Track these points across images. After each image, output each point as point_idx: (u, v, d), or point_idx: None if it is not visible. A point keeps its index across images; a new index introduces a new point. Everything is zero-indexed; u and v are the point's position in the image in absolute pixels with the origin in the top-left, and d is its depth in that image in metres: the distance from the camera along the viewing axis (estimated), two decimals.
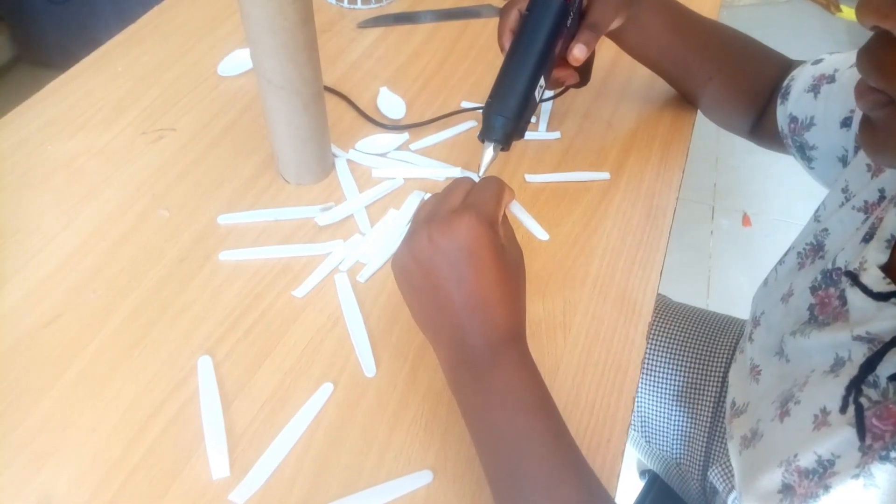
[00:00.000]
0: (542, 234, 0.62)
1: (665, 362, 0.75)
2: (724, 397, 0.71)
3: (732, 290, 1.68)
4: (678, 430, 0.74)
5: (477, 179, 0.47)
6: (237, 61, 0.79)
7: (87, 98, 0.74)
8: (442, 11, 0.89)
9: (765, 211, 1.87)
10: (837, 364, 0.45)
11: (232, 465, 0.47)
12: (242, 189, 0.66)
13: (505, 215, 0.47)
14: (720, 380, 0.72)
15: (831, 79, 0.60)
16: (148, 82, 0.76)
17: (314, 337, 0.55)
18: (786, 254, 0.59)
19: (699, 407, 0.72)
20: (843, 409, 0.42)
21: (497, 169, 0.69)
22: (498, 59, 0.59)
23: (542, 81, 0.58)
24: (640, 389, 0.76)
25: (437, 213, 0.43)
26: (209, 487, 0.46)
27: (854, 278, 0.45)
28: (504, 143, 0.57)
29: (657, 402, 0.75)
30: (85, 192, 0.64)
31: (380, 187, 0.66)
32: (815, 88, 0.61)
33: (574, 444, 0.42)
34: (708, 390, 0.72)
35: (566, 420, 0.43)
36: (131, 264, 0.59)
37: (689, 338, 0.76)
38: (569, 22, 0.58)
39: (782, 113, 0.65)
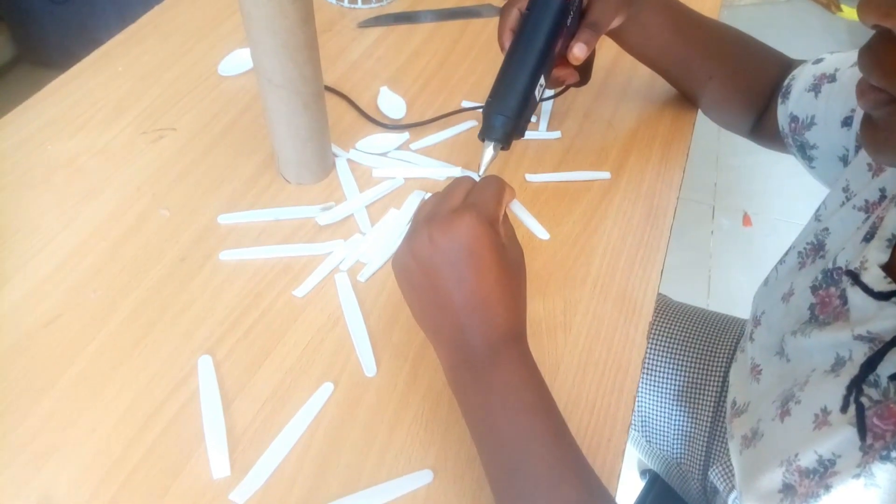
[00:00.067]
0: (542, 233, 0.62)
1: (666, 362, 0.75)
2: (725, 397, 0.71)
3: (733, 290, 1.68)
4: (679, 429, 0.74)
5: (477, 179, 0.47)
6: (237, 61, 0.79)
7: (88, 98, 0.74)
8: (442, 11, 0.89)
9: (765, 210, 1.87)
10: (838, 363, 0.45)
11: (232, 464, 0.47)
12: (243, 189, 0.66)
13: (506, 214, 0.47)
14: (721, 379, 0.72)
15: (832, 78, 0.60)
16: (148, 82, 0.76)
17: (314, 336, 0.55)
18: (786, 253, 0.59)
19: (700, 406, 0.72)
20: (844, 409, 0.42)
21: (497, 168, 0.69)
22: (498, 59, 0.59)
23: (542, 80, 0.58)
24: (640, 389, 0.76)
25: (437, 212, 0.43)
26: (210, 487, 0.46)
27: (855, 278, 0.45)
28: (504, 142, 0.57)
29: (658, 401, 0.75)
30: (85, 192, 0.64)
31: (380, 187, 0.66)
32: (815, 88, 0.61)
33: (574, 443, 0.42)
34: (708, 390, 0.72)
35: (567, 419, 0.43)
36: (131, 264, 0.59)
37: (689, 337, 0.76)
38: (569, 21, 0.58)
39: (783, 112, 0.65)
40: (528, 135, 0.71)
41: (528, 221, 0.63)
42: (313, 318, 0.56)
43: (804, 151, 0.64)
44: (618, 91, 0.78)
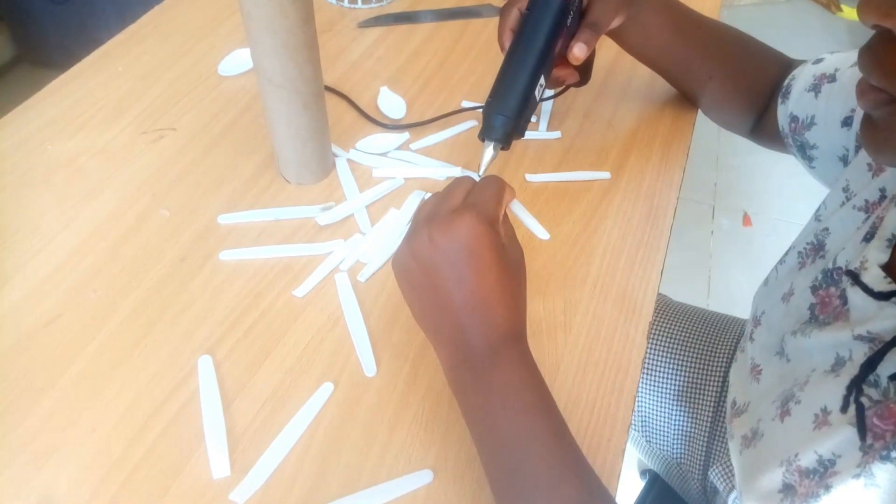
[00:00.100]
0: (542, 233, 0.62)
1: (666, 362, 0.75)
2: (725, 397, 0.71)
3: (733, 290, 1.68)
4: (679, 429, 0.74)
5: (477, 179, 0.47)
6: (238, 61, 0.79)
7: (88, 98, 0.74)
8: (442, 11, 0.89)
9: (765, 210, 1.87)
10: (838, 363, 0.45)
11: (232, 464, 0.47)
12: (243, 189, 0.66)
13: (506, 214, 0.47)
14: (721, 379, 0.72)
15: (832, 78, 0.60)
16: (148, 82, 0.76)
17: (314, 336, 0.55)
18: (786, 253, 0.59)
19: (700, 406, 0.72)
20: (844, 409, 0.42)
21: (497, 168, 0.69)
22: (498, 59, 0.59)
23: (542, 80, 0.58)
24: (640, 389, 0.76)
25: (437, 212, 0.43)
26: (210, 487, 0.46)
27: (855, 277, 0.45)
28: (504, 142, 0.57)
29: (658, 401, 0.75)
30: (85, 192, 0.64)
31: (380, 187, 0.66)
32: (815, 88, 0.61)
33: (574, 443, 0.42)
34: (708, 390, 0.72)
35: (567, 419, 0.43)
36: (131, 264, 0.59)
37: (689, 337, 0.76)
38: (569, 21, 0.58)
39: (783, 112, 0.65)
40: (528, 135, 0.71)
41: (528, 221, 0.63)
42: (313, 318, 0.56)
43: (804, 151, 0.64)
44: (618, 91, 0.79)
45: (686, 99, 0.76)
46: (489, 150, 0.57)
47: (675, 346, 0.76)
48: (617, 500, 0.43)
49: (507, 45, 0.59)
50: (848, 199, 0.53)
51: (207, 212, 0.63)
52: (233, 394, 0.51)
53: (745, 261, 1.75)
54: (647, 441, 0.78)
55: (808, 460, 0.43)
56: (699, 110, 0.76)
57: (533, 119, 0.74)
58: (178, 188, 0.65)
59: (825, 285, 0.50)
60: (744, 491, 0.49)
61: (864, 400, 0.41)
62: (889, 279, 0.43)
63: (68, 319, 0.55)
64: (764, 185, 1.93)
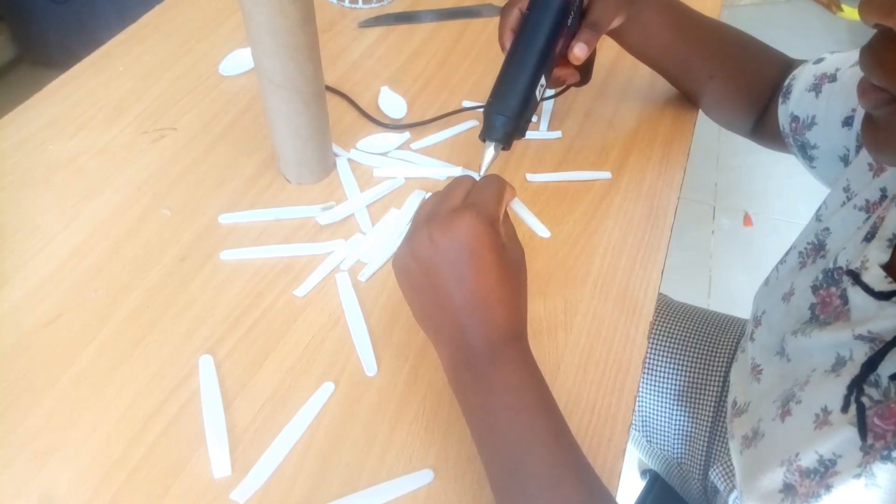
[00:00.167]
0: (543, 231, 0.62)
1: (666, 362, 0.75)
2: (726, 397, 0.71)
3: (733, 290, 1.68)
4: (679, 429, 0.74)
5: (478, 179, 0.47)
6: (238, 61, 0.79)
7: (88, 97, 0.74)
8: (443, 11, 0.89)
9: (766, 210, 1.87)
10: (839, 363, 0.45)
11: (233, 463, 0.47)
12: (243, 188, 0.66)
13: (506, 213, 0.47)
14: (721, 379, 0.72)
15: (833, 78, 0.60)
16: (149, 82, 0.76)
17: (315, 336, 0.55)
18: (787, 253, 0.59)
19: (700, 406, 0.72)
20: (845, 409, 0.42)
21: (498, 168, 0.69)
22: (499, 59, 0.59)
23: (542, 80, 0.58)
24: (641, 389, 0.76)
25: (437, 212, 0.43)
26: (210, 486, 0.46)
27: (855, 277, 0.45)
28: (505, 142, 0.57)
29: (658, 401, 0.75)
30: (86, 192, 0.64)
31: (381, 186, 0.66)
32: (816, 88, 0.61)
33: (575, 443, 0.42)
34: (709, 390, 0.72)
35: (567, 419, 0.43)
36: (132, 263, 0.59)
37: (690, 337, 0.76)
38: (569, 21, 0.58)
39: (783, 112, 0.65)
40: (529, 135, 0.71)
41: (528, 220, 0.63)
42: (314, 317, 0.56)
43: (805, 151, 0.64)
44: (618, 91, 0.78)
45: (687, 99, 0.76)
46: (490, 150, 0.57)
47: (676, 345, 0.76)
48: (617, 499, 0.43)
49: (508, 45, 0.59)
50: (849, 198, 0.53)
51: (208, 211, 0.63)
52: (233, 393, 0.51)
53: (745, 261, 1.75)
54: (647, 441, 0.78)
55: (808, 460, 0.43)
56: (700, 110, 0.76)
57: (533, 119, 0.74)
58: (178, 188, 0.65)
59: (826, 285, 0.50)
60: (744, 491, 0.49)
61: (864, 400, 0.41)
62: (890, 279, 0.43)
63: (69, 319, 0.55)
64: (764, 185, 1.93)
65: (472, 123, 0.73)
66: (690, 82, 0.73)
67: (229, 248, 0.60)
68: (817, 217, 0.57)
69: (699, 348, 0.75)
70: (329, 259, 0.60)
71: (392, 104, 0.75)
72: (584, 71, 0.68)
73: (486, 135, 0.57)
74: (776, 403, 0.50)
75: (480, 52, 0.84)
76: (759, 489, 0.47)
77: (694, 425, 0.73)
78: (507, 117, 0.56)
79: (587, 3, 0.60)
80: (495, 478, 0.42)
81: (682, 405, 0.74)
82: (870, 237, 0.47)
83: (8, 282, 0.57)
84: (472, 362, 0.42)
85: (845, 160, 0.59)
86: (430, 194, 0.58)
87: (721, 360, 0.73)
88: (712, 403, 0.72)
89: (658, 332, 0.77)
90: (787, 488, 0.44)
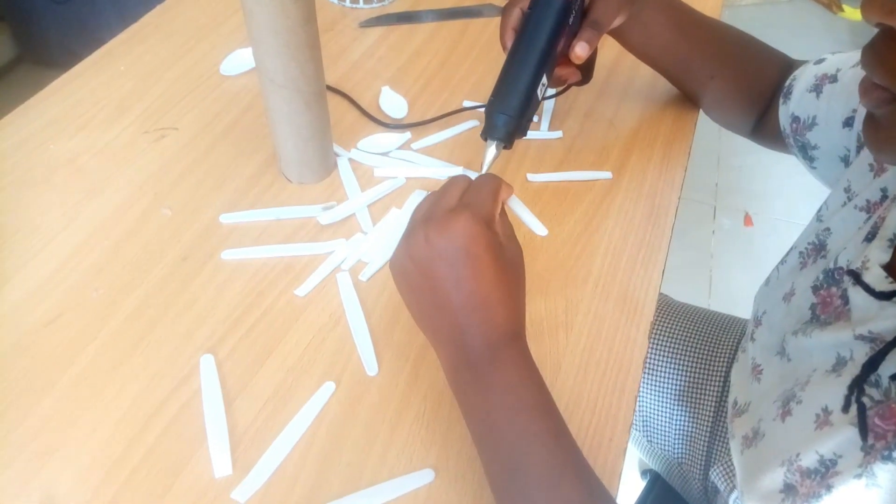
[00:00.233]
0: (540, 229, 0.62)
1: (667, 362, 0.75)
2: (726, 397, 0.71)
3: (734, 290, 1.68)
4: (680, 429, 0.74)
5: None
6: (239, 60, 0.79)
7: (90, 97, 0.74)
8: (443, 11, 0.89)
9: (766, 211, 1.87)
10: (839, 363, 0.45)
11: (234, 463, 0.47)
12: (244, 188, 0.66)
13: (504, 212, 0.47)
14: (722, 379, 0.72)
15: (833, 78, 0.60)
16: (150, 81, 0.76)
17: (316, 336, 0.55)
18: (788, 253, 0.59)
19: (701, 406, 0.72)
20: (846, 409, 0.42)
21: (499, 168, 0.69)
22: (500, 58, 0.59)
23: (544, 79, 0.58)
24: (641, 389, 0.76)
25: (433, 213, 0.43)
26: (211, 486, 0.46)
27: (856, 277, 0.45)
28: (506, 141, 0.57)
29: (659, 401, 0.75)
30: (87, 191, 0.64)
31: (382, 186, 0.66)
32: (817, 88, 0.61)
33: (574, 443, 0.42)
34: (710, 390, 0.72)
35: (568, 419, 0.43)
36: (133, 263, 0.59)
37: (690, 337, 0.76)
38: (571, 20, 0.58)
39: (784, 112, 0.65)
40: (530, 134, 0.71)
41: (526, 218, 0.63)
42: (315, 317, 0.56)
43: (805, 152, 0.64)
44: (619, 90, 0.78)
45: (687, 99, 0.76)
46: (491, 150, 0.57)
47: (677, 345, 0.76)
48: (618, 500, 0.43)
49: (510, 44, 0.59)
50: (849, 199, 0.53)
51: (209, 211, 0.63)
52: (234, 393, 0.51)
53: (746, 261, 1.75)
54: (648, 441, 0.78)
55: (809, 460, 0.43)
56: (700, 110, 0.76)
57: (534, 118, 0.74)
58: (179, 187, 0.65)
59: (826, 285, 0.50)
60: (745, 491, 0.49)
61: (865, 400, 0.41)
62: (890, 279, 0.43)
63: (69, 319, 0.55)
64: (765, 185, 1.93)
65: (473, 123, 0.73)
66: (691, 82, 0.73)
67: (230, 248, 0.60)
68: (818, 217, 0.57)
69: (700, 348, 0.75)
70: (330, 259, 0.60)
71: (393, 104, 0.75)
72: (586, 70, 0.68)
73: (487, 134, 0.57)
74: (777, 403, 0.50)
75: (481, 52, 0.84)
76: (759, 489, 0.47)
77: (694, 425, 0.73)
78: (508, 116, 0.56)
79: (588, 3, 0.60)
80: (495, 478, 0.42)
81: (682, 405, 0.74)
82: (870, 237, 0.47)
83: (8, 282, 0.57)
84: (472, 362, 0.42)
85: (846, 161, 0.59)
86: (428, 193, 0.58)
87: (721, 360, 0.73)
88: (713, 403, 0.72)
89: (659, 332, 0.77)
90: (788, 488, 0.44)
